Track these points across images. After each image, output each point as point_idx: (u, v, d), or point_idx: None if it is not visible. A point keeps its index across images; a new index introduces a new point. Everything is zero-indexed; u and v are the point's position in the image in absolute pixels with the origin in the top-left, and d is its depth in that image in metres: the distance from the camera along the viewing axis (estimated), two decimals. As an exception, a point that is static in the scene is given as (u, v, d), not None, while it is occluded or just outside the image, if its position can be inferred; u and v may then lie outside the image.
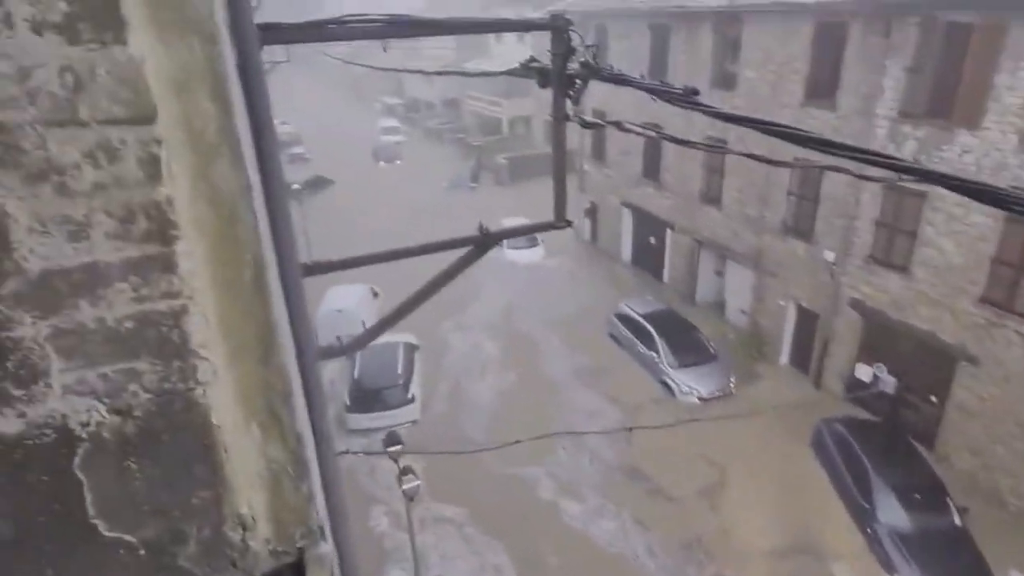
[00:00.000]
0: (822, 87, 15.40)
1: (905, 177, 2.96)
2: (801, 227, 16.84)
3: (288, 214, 2.04)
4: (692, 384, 16.76)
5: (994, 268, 12.54)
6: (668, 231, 22.23)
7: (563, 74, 5.00)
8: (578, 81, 5.04)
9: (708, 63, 18.65)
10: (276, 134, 2.02)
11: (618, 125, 5.10)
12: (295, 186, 27.32)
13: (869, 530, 12.32)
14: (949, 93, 12.78)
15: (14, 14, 0.96)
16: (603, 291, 22.52)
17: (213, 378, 1.23)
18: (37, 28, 0.97)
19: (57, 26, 0.98)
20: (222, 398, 1.26)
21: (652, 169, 22.35)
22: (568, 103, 5.16)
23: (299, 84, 71.90)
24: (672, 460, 14.49)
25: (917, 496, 12.31)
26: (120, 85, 1.03)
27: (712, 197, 19.81)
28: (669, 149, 20.98)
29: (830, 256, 15.92)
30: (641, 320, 18.56)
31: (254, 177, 1.76)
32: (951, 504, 12.23)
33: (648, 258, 23.92)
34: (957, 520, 12.00)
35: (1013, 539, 11.96)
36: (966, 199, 3.03)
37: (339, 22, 4.10)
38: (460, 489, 13.67)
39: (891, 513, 12.12)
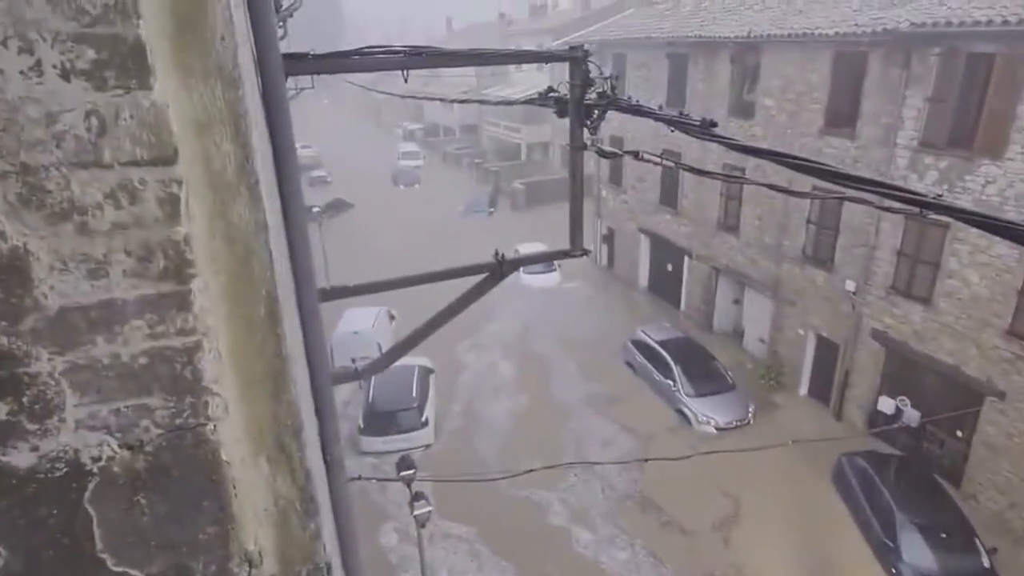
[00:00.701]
0: (841, 116, 15.36)
1: (925, 211, 2.93)
2: (820, 256, 16.67)
3: (308, 244, 2.07)
4: (709, 413, 16.52)
5: (1021, 301, 12.29)
6: (685, 258, 22.14)
7: (581, 104, 5.05)
8: (596, 112, 5.09)
9: (726, 92, 18.72)
10: (298, 164, 2.06)
11: (635, 155, 5.12)
12: (315, 208, 27.75)
13: (893, 570, 11.94)
14: (971, 123, 12.69)
15: (44, 61, 0.99)
16: (619, 317, 22.41)
17: (224, 414, 1.24)
18: (66, 75, 1.00)
19: (85, 73, 1.01)
20: (232, 433, 1.26)
21: (669, 196, 22.34)
22: (586, 132, 5.21)
23: (322, 109, 73.38)
24: (686, 491, 14.22)
25: (943, 535, 11.94)
26: (143, 129, 1.06)
27: (730, 225, 19.73)
28: (686, 176, 20.98)
29: (851, 286, 15.73)
30: (657, 347, 18.40)
31: (275, 207, 1.79)
32: (979, 544, 11.83)
33: (665, 285, 23.80)
34: (985, 561, 11.60)
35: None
36: (990, 232, 2.98)
37: (362, 53, 4.20)
38: (471, 509, 13.58)
39: (916, 552, 11.75)
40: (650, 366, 18.30)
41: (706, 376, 17.46)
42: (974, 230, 11.76)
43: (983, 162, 12.44)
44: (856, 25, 14.22)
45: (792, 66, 16.46)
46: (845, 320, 16.15)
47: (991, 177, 12.30)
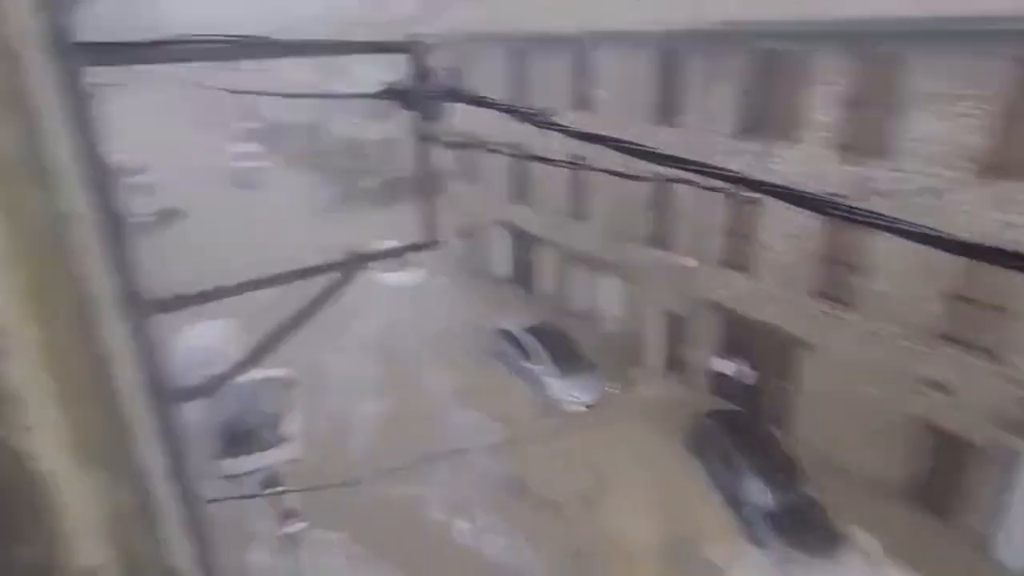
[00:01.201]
0: (669, 107, 16.73)
1: (741, 188, 3.31)
2: (662, 237, 18.06)
3: (127, 245, 1.90)
4: (573, 394, 17.32)
5: (821, 264, 14.19)
6: (541, 247, 22.96)
7: (424, 96, 5.06)
8: (439, 104, 5.13)
9: (566, 85, 19.61)
10: (107, 160, 1.88)
11: (481, 146, 5.23)
12: (147, 218, 25.26)
13: (740, 512, 13.34)
14: (774, 112, 14.37)
15: None
16: (482, 309, 22.76)
17: (40, 422, 1.12)
18: None
19: None
20: (53, 443, 1.14)
21: (522, 187, 23.03)
22: (433, 124, 5.24)
23: (144, 108, 66.52)
24: (558, 471, 14.85)
25: (779, 476, 13.54)
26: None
27: (580, 212, 20.75)
28: (537, 167, 21.74)
29: (689, 262, 17.20)
30: (520, 335, 18.96)
31: (84, 206, 1.62)
32: (806, 479, 13.57)
33: (525, 274, 24.53)
34: (811, 493, 13.33)
35: (855, 503, 13.46)
36: (793, 205, 3.44)
37: (178, 42, 3.87)
38: (347, 514, 13.25)
39: (758, 495, 13.22)
40: (515, 354, 18.81)
41: (568, 359, 18.28)
42: (780, 204, 13.32)
43: (784, 145, 14.16)
44: (673, 23, 15.50)
45: (622, 61, 17.61)
46: (687, 294, 17.65)
47: (791, 159, 14.04)
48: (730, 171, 3.37)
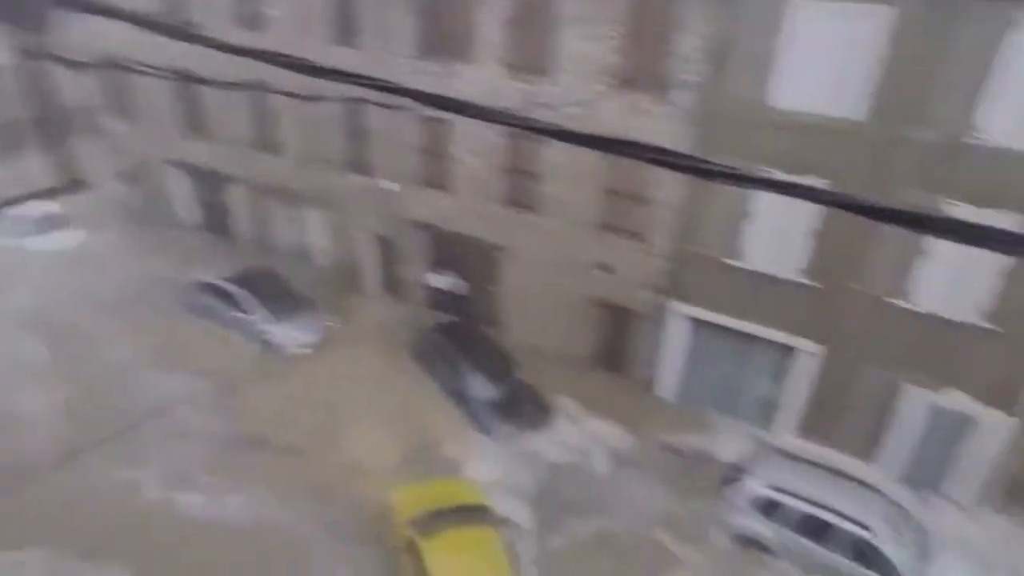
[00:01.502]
0: (347, 27, 16.06)
1: (427, 106, 3.37)
2: (360, 162, 17.75)
3: None
4: (292, 335, 16.63)
5: (507, 175, 15.55)
6: (231, 185, 20.80)
7: (20, 1, 4.04)
8: (47, 11, 4.16)
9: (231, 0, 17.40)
10: None
11: (115, 65, 4.42)
12: None
13: (468, 409, 14.63)
14: (451, 32, 14.81)
15: None
16: (170, 263, 20.00)
17: None
18: None
19: None
20: None
21: (195, 119, 20.27)
22: (40, 38, 4.25)
23: None
24: (292, 415, 14.38)
25: (496, 370, 15.09)
26: None
27: (270, 143, 19.17)
28: (211, 96, 19.26)
29: (390, 185, 17.32)
30: (223, 284, 17.31)
31: None
32: (517, 367, 15.39)
33: (216, 217, 22.09)
34: (522, 377, 15.22)
35: (557, 377, 15.76)
36: (480, 122, 3.62)
37: None
38: (41, 524, 11.20)
39: (480, 389, 14.61)
40: (220, 304, 17.17)
41: (282, 300, 17.31)
42: (467, 122, 13.97)
43: (463, 65, 14.80)
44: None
45: (290, -27, 16.20)
46: (392, 217, 17.87)
47: (471, 78, 14.78)
48: (416, 90, 3.40)
